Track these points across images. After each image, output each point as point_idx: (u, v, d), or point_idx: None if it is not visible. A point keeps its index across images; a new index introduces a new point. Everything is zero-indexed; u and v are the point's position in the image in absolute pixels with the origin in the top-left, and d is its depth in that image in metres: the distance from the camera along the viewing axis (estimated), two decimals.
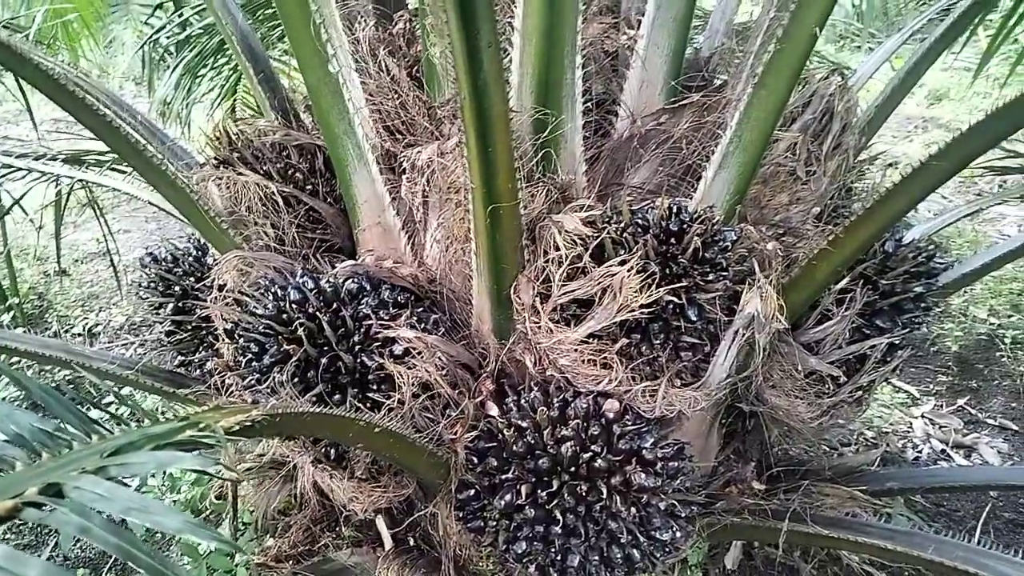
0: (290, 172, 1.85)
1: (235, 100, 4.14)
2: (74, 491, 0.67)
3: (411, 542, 1.79)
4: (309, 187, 1.86)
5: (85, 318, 4.18)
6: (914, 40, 2.92)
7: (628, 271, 1.37)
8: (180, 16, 3.95)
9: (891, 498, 1.93)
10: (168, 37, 4.18)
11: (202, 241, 2.06)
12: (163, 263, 2.00)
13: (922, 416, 3.24)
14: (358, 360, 1.46)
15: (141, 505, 0.63)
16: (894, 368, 1.79)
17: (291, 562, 1.79)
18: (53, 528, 2.65)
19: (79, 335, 4.01)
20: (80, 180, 3.00)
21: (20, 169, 3.02)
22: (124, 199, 5.77)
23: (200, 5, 3.71)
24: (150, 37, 4.04)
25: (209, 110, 4.06)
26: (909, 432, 3.14)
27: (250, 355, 1.46)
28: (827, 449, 2.64)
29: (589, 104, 1.67)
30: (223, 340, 1.60)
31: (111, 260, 3.36)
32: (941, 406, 3.30)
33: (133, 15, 5.57)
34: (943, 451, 3.04)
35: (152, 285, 1.99)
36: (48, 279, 4.58)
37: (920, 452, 3.03)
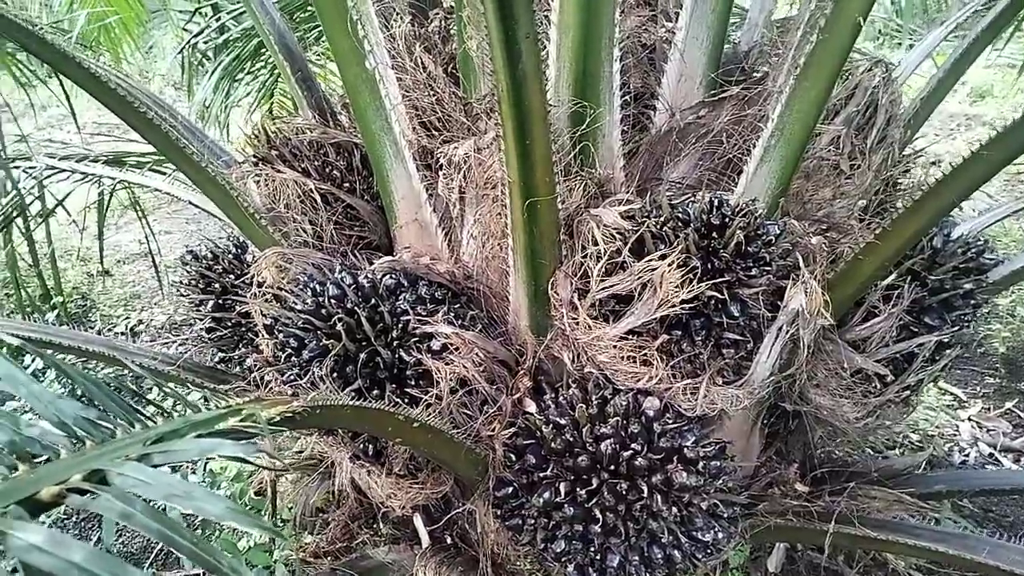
0: (327, 170, 1.86)
1: (272, 103, 4.19)
2: (117, 478, 0.67)
3: (448, 540, 1.78)
4: (346, 185, 1.87)
5: (127, 317, 4.26)
6: (956, 35, 2.85)
7: (669, 266, 1.35)
8: (218, 20, 4.01)
9: (939, 502, 1.87)
10: (206, 42, 4.25)
11: (241, 239, 2.08)
12: (203, 261, 2.03)
13: (969, 419, 3.15)
14: (396, 355, 1.46)
15: (184, 491, 0.63)
16: (943, 367, 1.74)
17: (329, 558, 1.79)
18: (95, 523, 2.70)
19: (122, 334, 4.08)
20: (122, 181, 3.06)
21: (64, 171, 3.09)
22: (165, 202, 5.88)
23: (237, 10, 3.76)
24: (189, 41, 4.11)
25: (246, 113, 4.11)
26: (956, 435, 3.06)
27: (289, 350, 1.46)
28: (872, 452, 2.58)
29: (627, 98, 1.65)
30: (262, 336, 1.61)
31: (153, 260, 3.42)
32: (988, 409, 3.20)
33: (173, 21, 5.67)
34: (991, 455, 2.95)
35: (193, 283, 2.02)
36: (91, 279, 4.68)
37: (967, 456, 2.94)
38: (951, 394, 3.30)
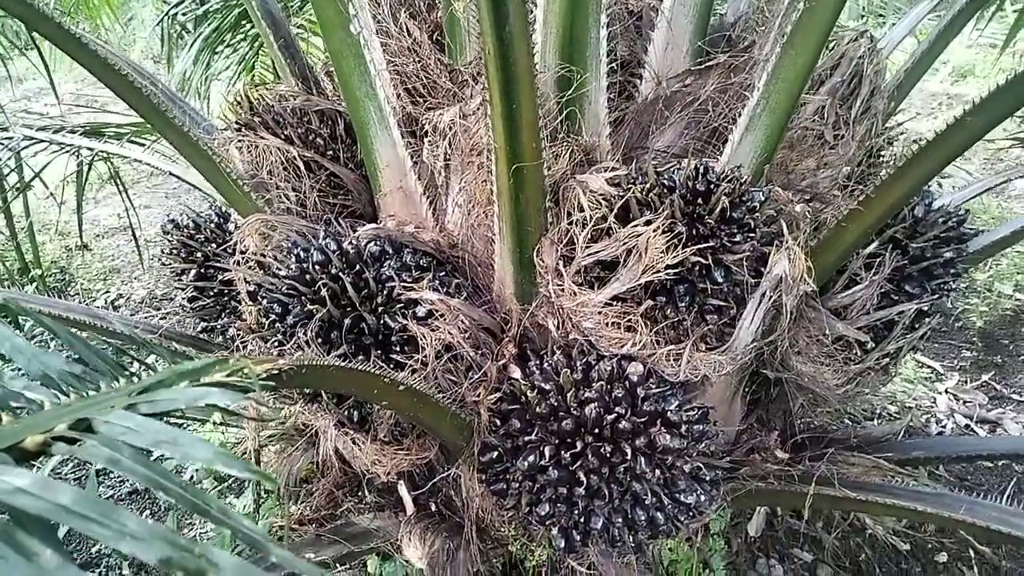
0: (311, 137, 1.84)
1: (253, 76, 4.14)
2: (103, 425, 0.66)
3: (433, 507, 1.79)
4: (330, 152, 1.85)
5: (107, 291, 4.22)
6: (938, 13, 2.86)
7: (654, 231, 1.35)
8: None
9: (915, 468, 1.90)
10: (184, 14, 4.18)
11: (224, 209, 2.06)
12: (185, 230, 2.01)
13: (946, 391, 3.20)
14: (381, 321, 1.45)
15: (171, 438, 0.63)
16: (922, 335, 1.76)
17: (314, 525, 1.80)
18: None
19: (101, 307, 4.04)
20: (100, 152, 3.01)
21: (42, 141, 3.03)
22: (144, 175, 5.80)
23: None
24: (168, 11, 4.04)
25: (227, 86, 4.05)
26: (933, 407, 3.11)
27: (273, 316, 1.46)
28: (850, 422, 2.61)
29: (613, 65, 1.64)
30: (246, 303, 1.60)
31: (133, 234, 3.38)
32: (965, 381, 3.26)
33: None
34: (967, 426, 3.00)
35: (174, 251, 2.00)
36: (70, 253, 4.62)
37: (944, 427, 2.99)
38: (929, 367, 3.35)
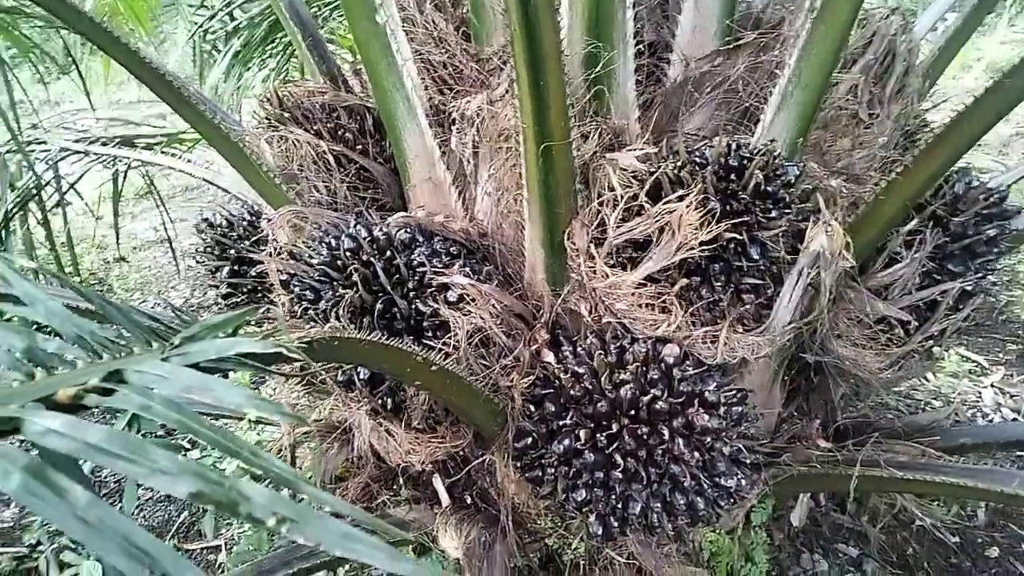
0: (340, 132, 1.85)
1: (284, 79, 4.20)
2: (134, 375, 0.66)
3: (468, 499, 1.77)
4: (359, 147, 1.86)
5: (144, 300, 4.29)
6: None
7: (687, 207, 1.33)
8: (228, 7, 4.02)
9: (963, 455, 1.84)
10: (213, 33, 4.26)
11: (255, 207, 2.07)
12: (218, 228, 2.03)
13: (992, 385, 3.11)
14: (412, 306, 1.45)
15: (202, 384, 0.62)
16: (967, 316, 1.71)
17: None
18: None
19: None
20: (136, 160, 3.07)
21: (78, 152, 3.11)
22: (179, 190, 5.91)
23: None
24: (200, 26, 4.12)
25: (257, 95, 4.11)
26: (979, 402, 3.02)
27: (305, 303, 1.46)
28: (893, 415, 2.55)
29: (640, 47, 1.63)
30: (278, 292, 1.61)
31: (170, 244, 3.43)
32: (1011, 375, 3.16)
33: (184, 14, 5.69)
34: (1014, 419, 2.92)
35: (208, 249, 2.02)
36: (108, 265, 4.71)
37: (991, 421, 2.91)
38: (973, 361, 3.26)
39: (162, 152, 3.13)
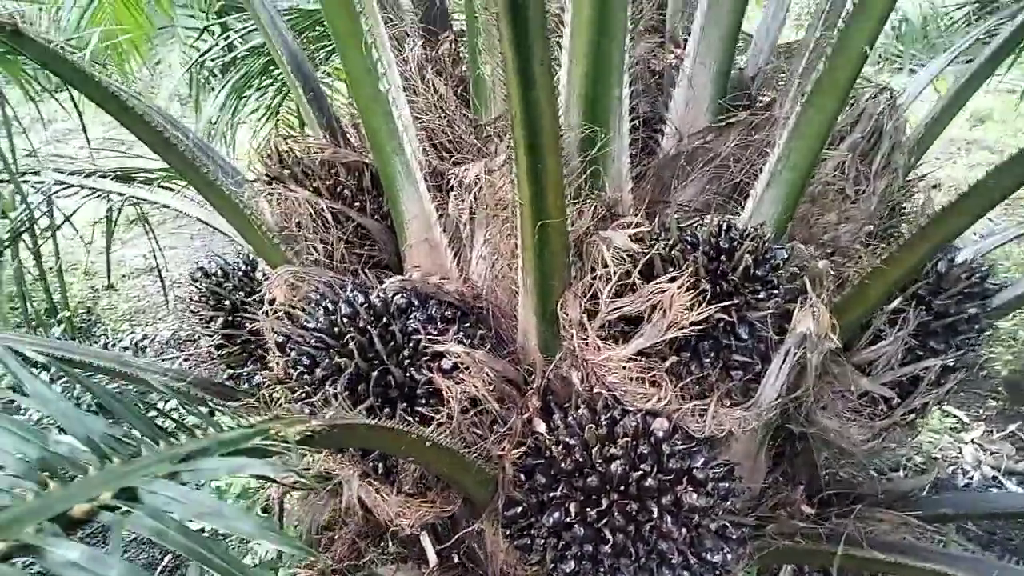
0: (339, 189, 1.88)
1: (278, 120, 4.24)
2: (148, 495, 0.68)
3: (455, 559, 1.78)
4: (357, 204, 1.89)
5: (132, 331, 4.28)
6: (958, 62, 2.89)
7: (678, 288, 1.37)
8: (226, 39, 4.06)
9: (944, 524, 1.87)
10: (213, 60, 4.30)
11: (251, 256, 2.09)
12: (213, 277, 2.04)
13: (972, 441, 3.16)
14: (407, 374, 1.47)
15: (214, 509, 0.64)
16: (948, 390, 1.75)
17: None
18: (102, 539, 2.70)
19: (127, 348, 4.09)
20: (130, 197, 3.08)
21: (73, 186, 3.11)
22: (170, 217, 5.90)
23: (244, 29, 3.81)
24: (197, 59, 4.16)
25: (253, 130, 4.15)
26: (959, 458, 3.07)
27: (302, 368, 1.48)
28: (875, 474, 2.58)
29: (635, 122, 1.67)
30: (273, 353, 1.62)
31: (160, 275, 3.44)
32: (991, 431, 3.21)
33: (180, 37, 5.73)
34: (994, 477, 2.96)
35: (203, 299, 2.03)
36: (96, 294, 4.70)
37: (971, 478, 2.95)
38: (954, 416, 3.31)
39: (159, 186, 3.15)
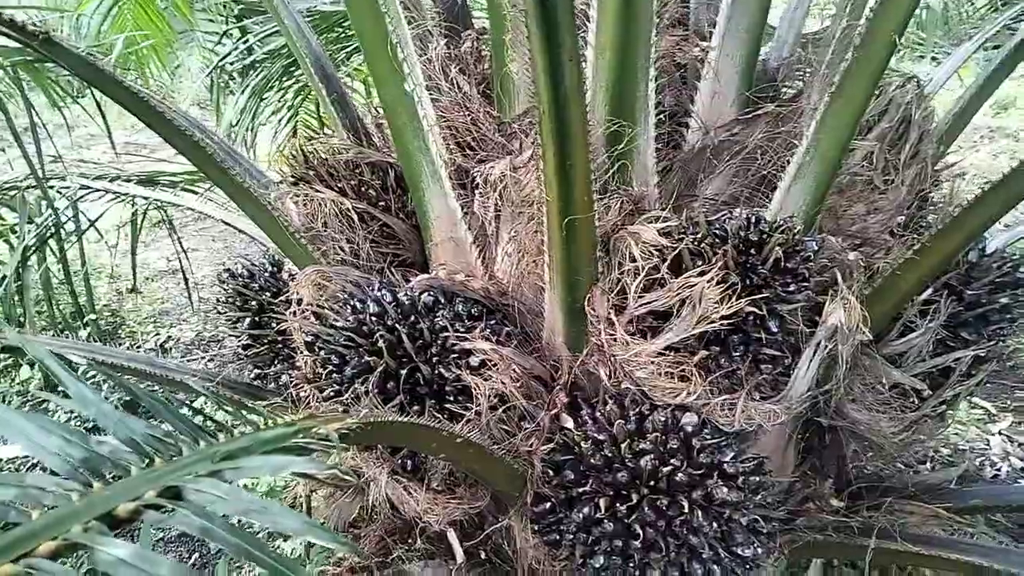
0: (363, 189, 1.89)
1: (297, 121, 4.26)
2: (194, 493, 0.69)
3: (483, 556, 1.79)
4: (382, 203, 1.90)
5: (157, 333, 4.32)
6: (984, 49, 2.85)
7: (708, 282, 1.36)
8: (245, 43, 4.09)
9: (973, 516, 1.86)
10: (232, 64, 4.33)
11: (277, 257, 2.11)
12: (240, 279, 2.06)
13: (1000, 433, 3.12)
14: (436, 371, 1.48)
15: (260, 507, 0.65)
16: (979, 381, 1.73)
17: (365, 574, 1.81)
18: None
19: (152, 350, 4.14)
20: (155, 200, 3.12)
21: (98, 190, 3.15)
22: (191, 219, 5.96)
23: (263, 32, 3.84)
24: (218, 63, 4.19)
25: (273, 131, 4.18)
26: (987, 449, 3.03)
27: (331, 367, 1.49)
28: (903, 466, 2.56)
29: (661, 116, 1.67)
30: (301, 352, 1.63)
31: (184, 277, 3.47)
32: (1019, 422, 3.17)
33: (199, 41, 5.77)
34: (1023, 469, 2.92)
35: (230, 300, 2.05)
36: (120, 296, 4.75)
37: (999, 470, 2.91)
38: (981, 408, 3.27)
39: (183, 189, 3.18)
